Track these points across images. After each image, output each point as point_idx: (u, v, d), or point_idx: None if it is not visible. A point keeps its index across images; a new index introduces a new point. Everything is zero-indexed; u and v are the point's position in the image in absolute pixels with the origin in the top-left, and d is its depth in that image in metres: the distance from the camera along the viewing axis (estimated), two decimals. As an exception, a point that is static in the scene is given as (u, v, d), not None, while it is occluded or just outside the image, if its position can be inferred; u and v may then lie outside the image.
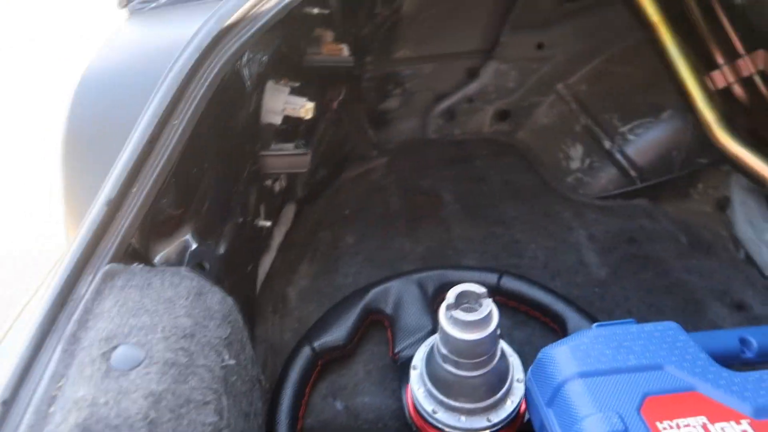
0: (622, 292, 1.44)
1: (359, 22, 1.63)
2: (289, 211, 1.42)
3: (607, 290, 1.45)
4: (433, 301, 1.29)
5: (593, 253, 1.57)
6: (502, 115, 2.03)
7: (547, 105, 2.00)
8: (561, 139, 1.95)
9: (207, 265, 0.94)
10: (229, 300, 0.87)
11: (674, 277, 1.48)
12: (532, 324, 1.35)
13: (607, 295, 1.43)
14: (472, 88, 1.95)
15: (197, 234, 0.97)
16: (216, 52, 0.90)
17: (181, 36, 0.88)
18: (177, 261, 0.93)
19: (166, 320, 0.77)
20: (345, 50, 1.46)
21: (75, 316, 0.73)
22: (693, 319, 1.39)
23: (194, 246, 0.96)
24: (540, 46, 1.88)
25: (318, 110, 1.58)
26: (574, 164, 1.89)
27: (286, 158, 1.17)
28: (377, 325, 1.31)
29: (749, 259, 1.53)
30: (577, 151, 1.90)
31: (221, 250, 1.00)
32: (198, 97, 0.89)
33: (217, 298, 0.85)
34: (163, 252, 0.94)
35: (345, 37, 1.52)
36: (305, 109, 1.13)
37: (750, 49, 1.51)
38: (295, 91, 1.17)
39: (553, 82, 1.97)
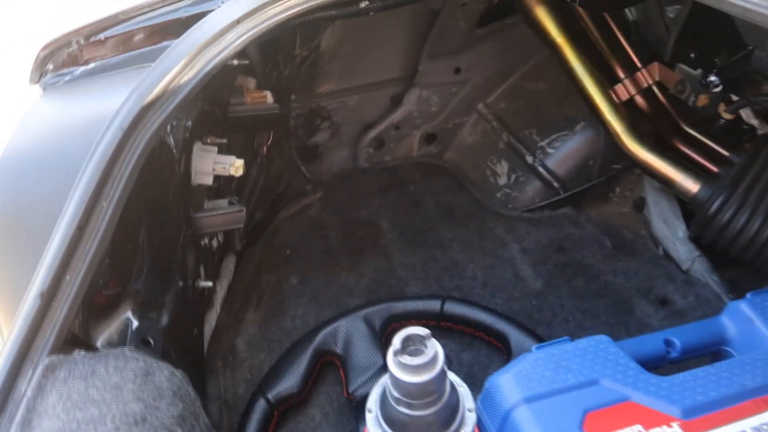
0: (558, 301, 1.52)
1: (280, 66, 1.65)
2: (229, 263, 1.42)
3: (544, 301, 1.52)
4: (381, 334, 1.33)
5: (527, 266, 1.64)
6: (429, 138, 2.09)
7: (471, 124, 2.08)
8: (487, 156, 2.03)
9: (152, 341, 0.94)
10: (178, 374, 0.88)
11: (603, 280, 1.58)
12: (478, 345, 1.41)
13: (544, 306, 1.51)
14: (398, 115, 2.00)
15: (138, 310, 0.97)
16: (139, 130, 0.90)
17: (100, 112, 0.88)
18: (120, 341, 0.93)
19: (115, 409, 0.77)
20: (269, 97, 1.48)
21: (17, 418, 0.72)
22: (624, 319, 1.48)
23: (136, 323, 0.95)
24: (457, 71, 1.96)
25: (248, 158, 1.60)
26: (502, 180, 1.97)
27: (221, 217, 1.19)
28: (330, 365, 1.33)
29: (667, 256, 1.64)
30: (503, 168, 1.99)
31: (164, 321, 1.00)
32: (125, 176, 0.89)
33: (165, 375, 0.86)
34: (105, 333, 0.93)
35: (267, 82, 1.54)
36: (235, 167, 1.15)
37: (646, 62, 1.63)
38: (222, 149, 1.19)
39: (474, 103, 2.05)
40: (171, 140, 1.02)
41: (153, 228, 0.98)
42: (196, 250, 1.15)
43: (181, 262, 1.07)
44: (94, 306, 0.90)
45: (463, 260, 1.67)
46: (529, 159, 1.92)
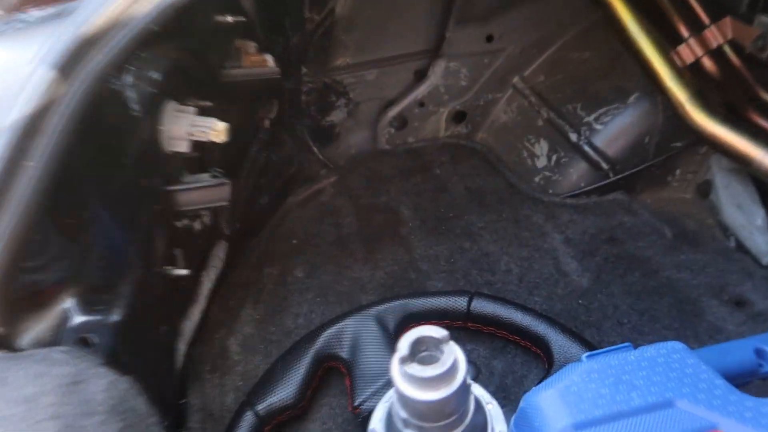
0: (609, 301, 1.28)
1: (287, 31, 1.45)
2: (218, 251, 1.22)
3: (593, 300, 1.28)
4: (395, 338, 1.12)
5: (572, 259, 1.41)
6: (458, 117, 1.87)
7: (505, 101, 1.85)
8: (523, 136, 1.80)
9: (95, 339, 0.74)
10: (123, 382, 0.68)
11: (664, 276, 1.33)
12: (512, 350, 1.19)
13: (593, 306, 1.27)
14: (422, 90, 1.79)
15: (81, 301, 0.78)
16: (78, 72, 0.71)
17: (24, 56, 0.69)
18: (53, 339, 0.74)
19: (25, 429, 0.58)
20: (270, 61, 1.28)
21: None
22: (691, 322, 1.23)
23: (76, 317, 0.76)
24: (490, 39, 1.73)
25: (247, 133, 1.40)
26: (541, 162, 1.74)
27: (200, 191, 0.99)
28: (334, 372, 1.13)
29: (741, 247, 1.38)
30: (542, 148, 1.75)
31: (116, 315, 0.80)
32: (58, 129, 0.70)
33: (101, 385, 0.66)
34: (34, 330, 0.74)
35: (270, 48, 1.34)
36: (216, 131, 0.95)
37: (715, 18, 1.37)
38: (206, 113, 0.99)
39: (508, 76, 1.82)
40: (131, 94, 0.82)
41: (104, 200, 0.78)
42: (170, 231, 0.95)
43: (145, 245, 0.87)
44: (21, 294, 0.71)
45: (495, 252, 1.44)
46: (573, 137, 1.67)
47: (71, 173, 0.73)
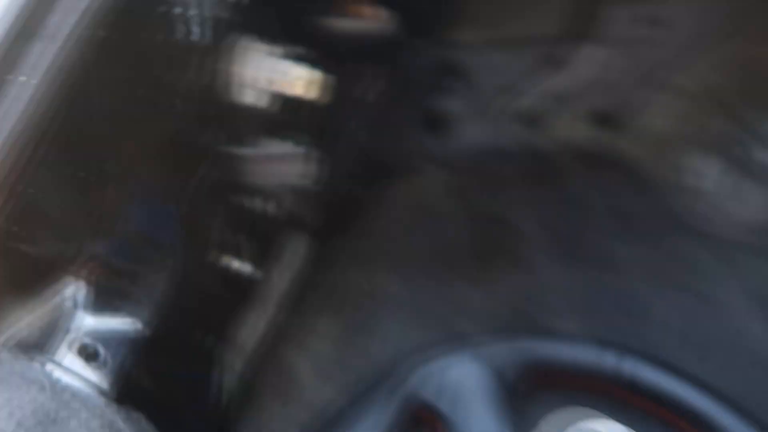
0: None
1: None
2: (297, 246, 0.97)
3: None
4: (515, 391, 0.83)
5: (756, 318, 1.04)
6: (602, 118, 1.53)
7: (665, 102, 1.49)
8: (686, 148, 1.44)
9: (102, 353, 0.49)
10: (110, 415, 0.43)
11: None
12: (679, 439, 0.85)
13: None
14: (560, 81, 1.47)
15: (92, 293, 0.53)
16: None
17: None
18: (41, 343, 0.49)
19: None
20: (382, 15, 1.01)
21: None
22: None
23: (80, 316, 0.52)
24: (654, 22, 1.38)
25: (344, 103, 1.14)
26: (709, 184, 1.37)
27: (278, 162, 0.73)
28: (424, 424, 0.85)
29: None
30: (711, 166, 1.38)
31: (140, 318, 0.55)
32: (67, 33, 0.46)
33: (93, 426, 0.41)
34: (18, 325, 0.50)
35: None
36: (303, 81, 0.68)
37: None
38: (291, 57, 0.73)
39: (673, 71, 1.46)
40: (191, 11, 0.57)
41: (137, 152, 0.53)
42: (231, 210, 0.70)
43: (193, 223, 0.62)
44: (5, 272, 0.47)
45: (647, 294, 1.12)
46: (758, 155, 1.29)
47: (85, 104, 0.48)
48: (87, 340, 0.52)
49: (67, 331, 0.52)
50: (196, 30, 0.59)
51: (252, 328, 0.86)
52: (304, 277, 1.10)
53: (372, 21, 1.01)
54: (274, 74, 0.68)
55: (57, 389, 0.44)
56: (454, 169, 1.49)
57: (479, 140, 1.58)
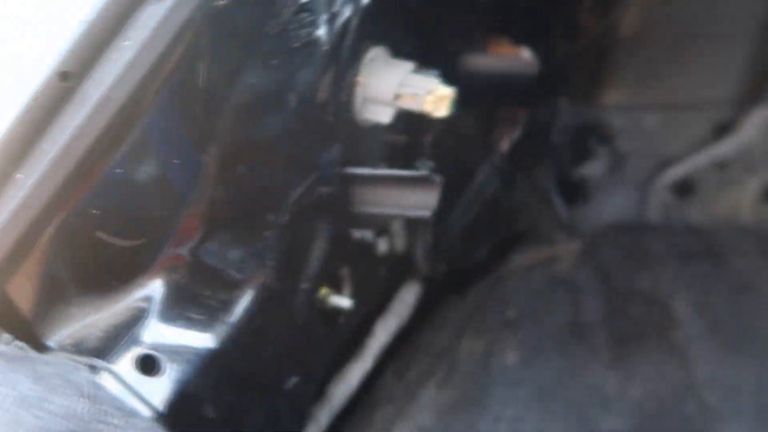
0: None
1: (552, 32, 1.10)
2: (407, 294, 0.86)
3: None
4: None
5: None
6: (777, 194, 1.30)
7: None
8: None
9: (163, 365, 0.42)
10: None
11: None
12: None
13: None
14: (725, 149, 1.29)
15: (169, 296, 0.46)
16: None
17: None
18: (101, 345, 0.43)
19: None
20: (526, 55, 0.93)
21: None
22: None
23: (148, 322, 0.45)
24: None
25: (476, 151, 1.05)
26: None
27: (394, 186, 0.64)
28: None
29: None
30: None
31: (212, 336, 0.47)
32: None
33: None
34: (82, 323, 0.44)
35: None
36: (434, 97, 0.60)
37: None
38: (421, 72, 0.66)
39: None
40: (315, 6, 0.52)
41: (242, 152, 0.47)
42: (336, 237, 0.62)
43: (292, 239, 0.54)
44: (72, 259, 0.43)
45: None
46: None
47: (192, 83, 0.44)
48: (150, 351, 0.45)
49: (131, 336, 0.45)
50: (320, 32, 0.54)
51: (345, 381, 0.75)
52: (411, 333, 0.99)
53: (512, 61, 0.93)
54: (401, 88, 0.61)
55: (98, 398, 0.37)
56: (592, 239, 1.33)
57: (623, 211, 1.40)
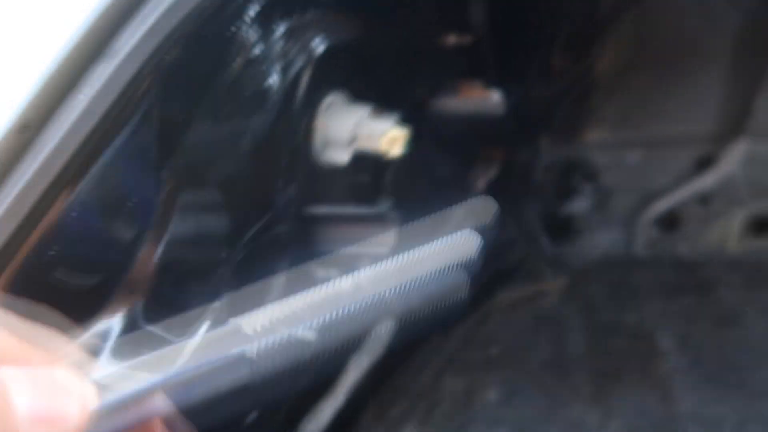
0: None
1: (527, 75, 1.14)
2: (380, 333, 0.87)
3: None
4: None
5: None
6: (761, 225, 1.30)
7: None
8: None
9: None
10: None
11: None
12: None
13: None
14: (708, 181, 1.30)
15: (125, 331, 0.49)
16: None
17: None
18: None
19: None
20: (494, 97, 0.97)
21: None
22: None
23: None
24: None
25: (453, 186, 1.07)
26: None
27: (353, 226, 0.67)
28: None
29: None
30: None
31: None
32: (126, 55, 0.46)
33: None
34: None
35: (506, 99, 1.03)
36: (389, 137, 0.63)
37: None
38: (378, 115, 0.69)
39: None
40: (272, 56, 0.56)
41: (190, 194, 0.50)
42: (297, 273, 0.64)
43: (247, 274, 0.57)
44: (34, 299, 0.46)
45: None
46: None
47: (144, 127, 0.47)
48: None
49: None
50: (272, 80, 0.58)
51: (316, 418, 0.76)
52: (388, 374, 0.99)
53: (480, 103, 0.96)
54: (357, 130, 0.65)
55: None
56: (578, 275, 1.33)
57: (609, 247, 1.41)
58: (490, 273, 1.28)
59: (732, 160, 1.27)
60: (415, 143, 0.75)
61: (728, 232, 1.33)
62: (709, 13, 1.17)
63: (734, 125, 1.29)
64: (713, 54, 1.24)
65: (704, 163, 1.34)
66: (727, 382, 0.98)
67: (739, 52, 1.22)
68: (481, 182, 1.08)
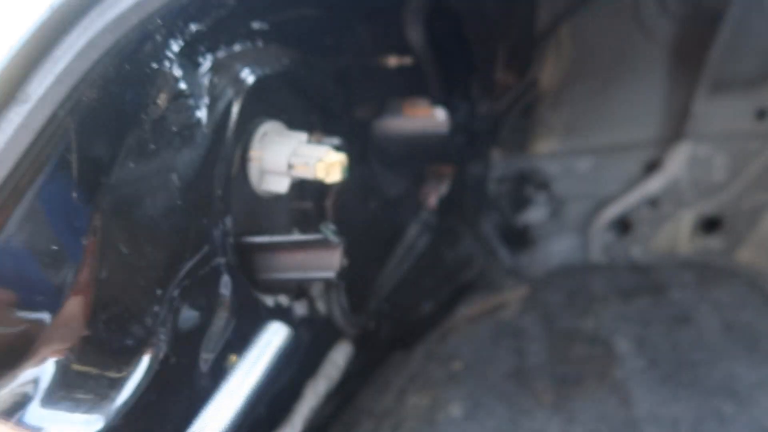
0: None
1: (472, 94, 1.15)
2: (336, 355, 0.86)
3: None
4: None
5: None
6: (709, 225, 1.35)
7: (787, 205, 1.28)
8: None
9: None
10: None
11: None
12: None
13: None
14: (655, 185, 1.34)
15: (56, 377, 0.48)
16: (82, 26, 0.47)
17: None
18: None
19: None
20: (438, 114, 0.98)
21: None
22: None
23: (32, 408, 0.46)
24: (762, 115, 1.23)
25: (407, 210, 1.08)
26: None
27: (296, 252, 0.66)
28: None
29: None
30: None
31: (107, 417, 0.48)
32: (39, 99, 0.45)
33: None
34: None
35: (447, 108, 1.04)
36: (325, 164, 0.64)
37: None
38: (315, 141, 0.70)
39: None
40: (195, 90, 0.56)
41: (117, 232, 0.50)
42: (243, 305, 0.63)
43: (179, 314, 0.56)
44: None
45: (783, 428, 0.86)
46: None
47: (64, 171, 0.47)
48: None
49: (16, 423, 0.46)
50: (199, 114, 0.58)
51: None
52: (352, 397, 0.98)
53: (424, 121, 0.97)
54: (293, 158, 0.65)
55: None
56: (537, 284, 1.35)
57: (566, 254, 1.43)
58: (453, 287, 1.29)
59: (676, 163, 1.31)
60: (359, 165, 0.75)
61: (678, 234, 1.36)
62: (643, 22, 1.21)
63: (676, 129, 1.33)
64: (649, 61, 1.27)
65: (652, 168, 1.37)
66: (683, 382, 1.00)
67: (672, 58, 1.26)
68: (433, 199, 1.09)
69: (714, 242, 1.35)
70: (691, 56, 1.24)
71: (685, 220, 1.35)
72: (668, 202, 1.34)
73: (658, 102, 1.33)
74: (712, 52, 1.16)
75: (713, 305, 1.18)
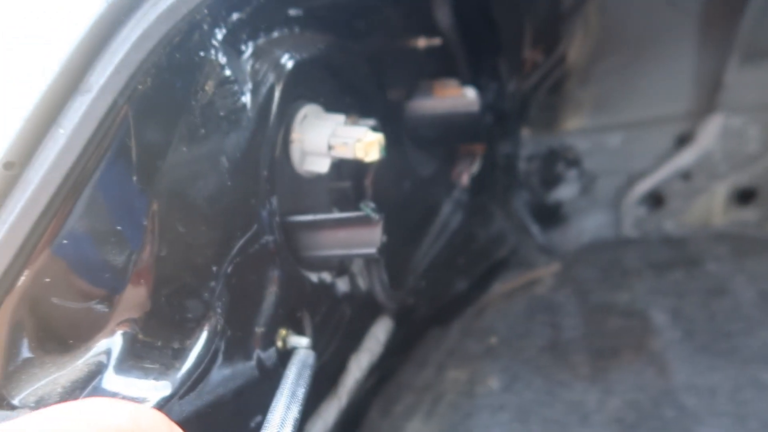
0: None
1: (501, 73, 1.16)
2: (378, 330, 0.90)
3: None
4: None
5: None
6: (744, 196, 1.34)
7: (824, 173, 1.27)
8: None
9: None
10: None
11: None
12: None
13: None
14: (687, 158, 1.33)
15: (126, 348, 0.52)
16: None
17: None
18: (61, 401, 0.48)
19: None
20: (469, 93, 0.99)
21: None
22: None
23: (106, 376, 0.50)
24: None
25: (440, 188, 1.10)
26: None
27: (339, 230, 0.69)
28: None
29: None
30: None
31: (173, 383, 0.52)
32: (100, 88, 0.49)
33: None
34: (45, 381, 0.49)
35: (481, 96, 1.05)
36: (364, 143, 0.66)
37: None
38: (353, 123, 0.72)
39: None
40: (239, 76, 0.59)
41: (174, 213, 0.53)
42: (289, 282, 0.67)
43: (239, 287, 0.59)
44: (36, 324, 0.48)
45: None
46: None
47: (125, 157, 0.50)
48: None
49: (91, 391, 0.50)
50: (244, 98, 0.61)
51: (321, 418, 0.78)
52: (394, 371, 1.02)
53: (455, 101, 0.99)
54: (332, 139, 0.67)
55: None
56: (570, 260, 1.36)
57: (598, 230, 1.44)
58: (487, 264, 1.30)
59: (709, 135, 1.30)
60: (393, 146, 0.78)
61: (712, 206, 1.35)
62: (671, -6, 1.20)
63: (708, 101, 1.32)
64: (678, 32, 1.26)
65: (683, 141, 1.37)
66: (720, 351, 1.00)
67: (703, 29, 1.24)
68: (465, 178, 1.11)
69: (748, 214, 1.34)
70: (721, 26, 1.23)
71: (719, 193, 1.34)
72: (701, 175, 1.33)
73: (689, 74, 1.31)
74: (744, 20, 1.15)
75: (749, 276, 1.17)
